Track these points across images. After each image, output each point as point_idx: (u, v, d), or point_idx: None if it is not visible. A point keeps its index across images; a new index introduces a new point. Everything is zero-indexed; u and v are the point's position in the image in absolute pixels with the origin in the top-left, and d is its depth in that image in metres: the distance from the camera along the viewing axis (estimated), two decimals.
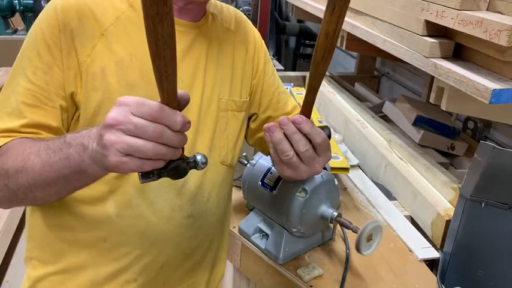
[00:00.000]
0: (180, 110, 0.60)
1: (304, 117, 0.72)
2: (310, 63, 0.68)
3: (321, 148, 0.75)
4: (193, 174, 0.83)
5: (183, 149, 0.64)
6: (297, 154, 0.74)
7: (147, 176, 0.62)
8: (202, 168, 0.65)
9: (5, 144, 0.74)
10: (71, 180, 0.68)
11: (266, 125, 0.76)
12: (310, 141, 0.74)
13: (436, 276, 1.05)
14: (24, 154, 0.70)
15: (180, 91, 0.60)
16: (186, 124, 0.59)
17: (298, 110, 1.07)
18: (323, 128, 0.78)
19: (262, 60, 1.01)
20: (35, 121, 0.76)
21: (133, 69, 0.80)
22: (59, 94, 0.77)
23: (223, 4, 0.98)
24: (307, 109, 0.74)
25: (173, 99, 0.58)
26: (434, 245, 1.16)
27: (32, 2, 3.35)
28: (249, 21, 1.02)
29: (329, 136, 0.79)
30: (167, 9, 0.50)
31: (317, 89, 0.72)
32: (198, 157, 0.65)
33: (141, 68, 0.80)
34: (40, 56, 0.76)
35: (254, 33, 1.01)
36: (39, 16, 0.79)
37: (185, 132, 0.61)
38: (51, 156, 0.67)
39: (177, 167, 0.64)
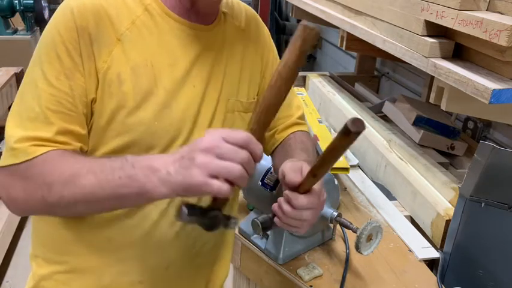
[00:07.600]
0: None
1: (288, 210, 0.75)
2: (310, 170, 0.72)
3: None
4: None
5: (227, 199, 0.70)
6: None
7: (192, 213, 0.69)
8: (232, 229, 0.72)
9: (41, 154, 0.71)
10: (125, 200, 0.69)
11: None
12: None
13: (436, 276, 1.05)
14: (73, 169, 0.69)
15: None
16: (261, 157, 0.66)
17: (302, 110, 1.06)
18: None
19: (271, 59, 0.99)
20: (63, 128, 0.73)
21: (149, 76, 0.77)
22: (82, 100, 0.74)
23: (234, 0, 0.95)
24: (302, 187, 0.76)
25: (262, 133, 0.64)
26: (434, 245, 1.16)
27: (32, 2, 3.33)
28: (259, 18, 1.00)
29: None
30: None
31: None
32: (233, 221, 0.71)
33: (156, 74, 0.78)
34: (60, 59, 0.72)
35: (264, 31, 1.00)
36: (53, 17, 0.76)
37: None
38: (108, 173, 0.67)
39: (216, 216, 0.70)
